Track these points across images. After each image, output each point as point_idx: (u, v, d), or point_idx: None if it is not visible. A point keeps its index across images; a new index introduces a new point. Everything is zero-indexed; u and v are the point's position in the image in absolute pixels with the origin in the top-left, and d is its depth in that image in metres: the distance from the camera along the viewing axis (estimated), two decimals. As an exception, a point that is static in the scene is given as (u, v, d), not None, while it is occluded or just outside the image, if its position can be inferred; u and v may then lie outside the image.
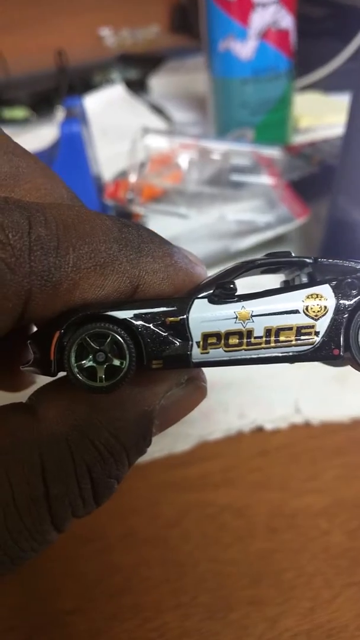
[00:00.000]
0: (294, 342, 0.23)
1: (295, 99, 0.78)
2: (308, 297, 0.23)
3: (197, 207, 0.58)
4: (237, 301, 0.23)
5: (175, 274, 0.23)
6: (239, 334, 0.22)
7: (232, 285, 0.23)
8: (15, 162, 0.24)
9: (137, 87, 1.01)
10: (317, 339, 0.23)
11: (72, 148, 0.58)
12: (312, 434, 0.42)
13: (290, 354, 0.23)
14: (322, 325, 0.23)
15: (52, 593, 0.34)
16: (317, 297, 0.23)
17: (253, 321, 0.23)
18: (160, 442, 0.41)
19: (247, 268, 0.24)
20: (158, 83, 1.01)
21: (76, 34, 1.22)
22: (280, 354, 0.23)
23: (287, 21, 0.69)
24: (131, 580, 0.34)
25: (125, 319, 0.22)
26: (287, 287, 0.23)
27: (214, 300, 0.23)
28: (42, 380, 0.23)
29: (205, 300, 0.23)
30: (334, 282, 0.23)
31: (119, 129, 0.81)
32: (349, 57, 0.80)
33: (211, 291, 0.23)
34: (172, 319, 0.22)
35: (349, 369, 0.47)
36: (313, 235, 0.56)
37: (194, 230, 0.60)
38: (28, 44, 1.15)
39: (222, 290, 0.23)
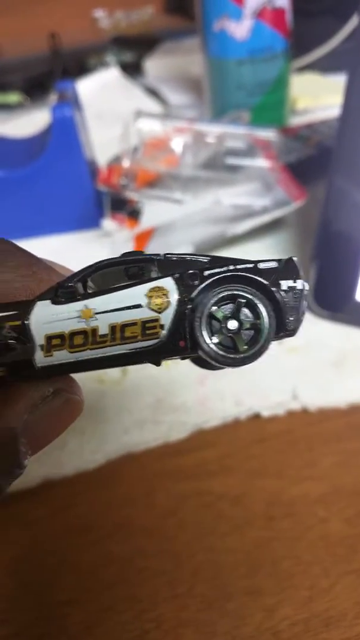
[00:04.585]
0: (140, 338, 0.22)
1: (292, 80, 0.77)
2: (151, 291, 0.22)
3: (193, 191, 0.57)
4: (79, 300, 0.22)
5: (36, 285, 0.23)
6: (83, 333, 0.22)
7: (72, 285, 0.23)
8: None
9: (132, 69, 1.00)
10: (162, 332, 0.22)
11: (64, 133, 0.57)
12: (310, 420, 0.41)
13: (138, 349, 0.22)
14: (167, 318, 0.22)
15: (46, 584, 0.34)
16: (160, 290, 0.22)
17: (97, 319, 0.22)
18: (156, 431, 0.41)
19: (93, 269, 0.24)
20: (153, 65, 1.00)
21: (70, 16, 1.20)
22: (127, 351, 0.22)
23: (282, 0, 0.67)
24: (127, 571, 0.34)
25: None
26: (131, 283, 0.23)
27: (56, 300, 0.22)
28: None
29: (48, 301, 0.22)
30: (177, 275, 0.23)
31: (114, 112, 0.80)
32: (347, 36, 0.79)
33: (58, 292, 0.22)
34: (12, 323, 0.22)
35: (346, 353, 0.47)
36: (311, 218, 0.55)
37: (190, 216, 0.59)
38: (21, 27, 1.13)
39: (63, 291, 0.22)
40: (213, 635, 0.31)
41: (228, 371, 0.44)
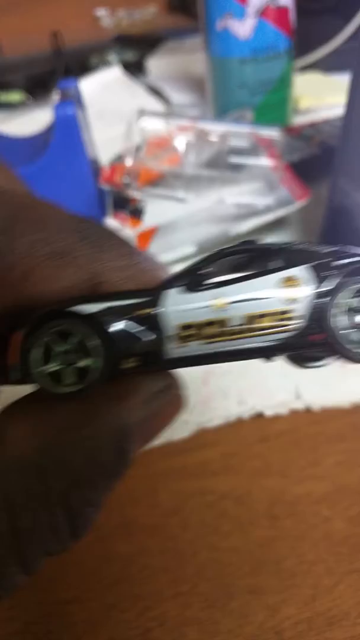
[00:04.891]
0: (274, 330, 0.21)
1: (295, 79, 0.76)
2: (283, 281, 0.21)
3: (196, 190, 0.57)
4: (212, 289, 0.21)
5: (140, 274, 0.22)
6: (216, 323, 0.21)
7: (205, 273, 0.22)
8: None
9: (135, 68, 1.00)
10: (298, 324, 0.21)
11: (67, 131, 0.56)
12: (313, 419, 0.41)
13: (273, 342, 0.21)
14: (302, 309, 0.21)
15: (50, 582, 0.34)
16: (292, 280, 0.21)
17: (230, 309, 0.21)
18: (159, 429, 0.41)
19: (219, 256, 0.23)
20: (156, 64, 1.00)
21: (72, 15, 1.20)
22: (261, 344, 0.21)
23: (286, -2, 0.67)
24: (130, 569, 0.34)
25: (91, 314, 0.20)
26: (264, 271, 0.22)
27: (187, 289, 0.21)
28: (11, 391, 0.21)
29: (179, 289, 0.21)
30: (311, 264, 0.21)
31: (117, 111, 0.80)
32: (350, 35, 0.79)
33: (184, 281, 0.21)
34: (144, 311, 0.21)
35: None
36: (314, 217, 0.55)
37: (193, 215, 0.59)
38: (23, 26, 1.13)
39: (195, 279, 0.21)
40: (216, 633, 0.31)
41: (230, 370, 0.44)
